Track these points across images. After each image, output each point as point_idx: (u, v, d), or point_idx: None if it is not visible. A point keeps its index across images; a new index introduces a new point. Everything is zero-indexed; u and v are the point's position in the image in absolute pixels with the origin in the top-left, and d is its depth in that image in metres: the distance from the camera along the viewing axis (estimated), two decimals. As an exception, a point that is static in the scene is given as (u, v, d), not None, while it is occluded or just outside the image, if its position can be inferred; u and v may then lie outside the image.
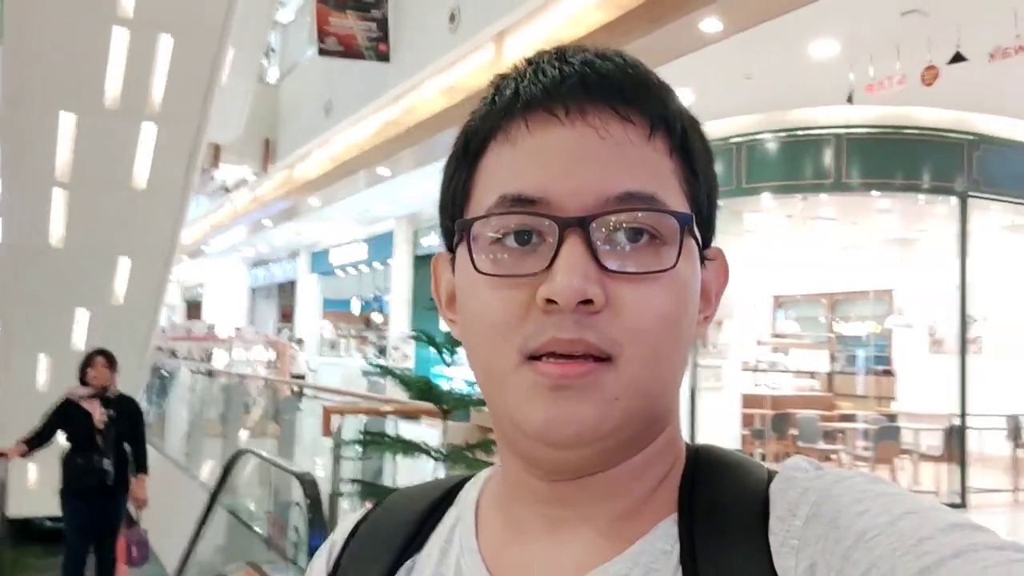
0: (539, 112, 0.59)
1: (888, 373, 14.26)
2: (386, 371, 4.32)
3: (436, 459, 4.02)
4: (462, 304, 0.63)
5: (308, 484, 4.25)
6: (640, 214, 0.58)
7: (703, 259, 0.63)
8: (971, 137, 9.66)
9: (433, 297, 0.70)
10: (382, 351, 20.51)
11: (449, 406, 4.11)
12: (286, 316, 28.25)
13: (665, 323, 0.58)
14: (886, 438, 10.11)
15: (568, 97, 0.59)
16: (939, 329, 13.66)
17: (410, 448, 4.05)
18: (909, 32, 7.20)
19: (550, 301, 0.56)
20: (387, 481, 4.86)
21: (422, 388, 4.12)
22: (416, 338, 4.46)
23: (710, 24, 7.23)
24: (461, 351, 4.19)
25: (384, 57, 11.92)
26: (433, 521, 0.71)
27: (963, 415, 9.79)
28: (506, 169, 0.60)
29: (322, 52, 12.03)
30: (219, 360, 17.09)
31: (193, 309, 32.49)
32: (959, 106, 9.29)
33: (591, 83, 0.59)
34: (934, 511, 0.52)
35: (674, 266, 0.58)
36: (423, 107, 11.35)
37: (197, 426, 11.74)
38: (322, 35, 11.80)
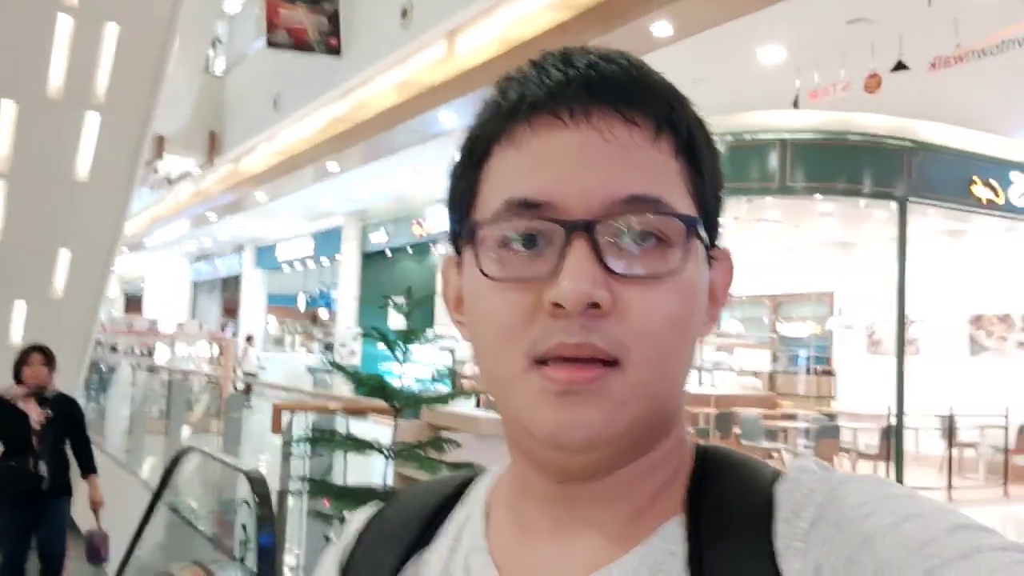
0: (543, 115, 0.59)
1: (828, 373, 14.57)
2: (338, 368, 4.28)
3: (388, 457, 4.01)
4: (469, 307, 0.63)
5: (257, 482, 4.20)
6: (646, 217, 0.58)
7: (710, 259, 0.63)
8: (911, 144, 9.91)
9: (443, 299, 0.71)
10: (328, 347, 20.35)
11: (401, 404, 4.09)
12: (229, 311, 27.83)
13: (672, 326, 0.58)
14: (826, 437, 10.33)
15: (573, 100, 0.59)
16: (877, 330, 14.01)
17: (361, 446, 4.03)
18: (854, 40, 7.37)
19: (557, 305, 0.56)
20: (337, 479, 4.83)
21: (374, 385, 4.10)
22: (368, 335, 4.43)
23: (661, 28, 7.32)
24: (413, 348, 4.18)
25: (334, 51, 11.82)
26: (443, 518, 0.71)
27: (900, 415, 10.04)
28: (511, 172, 0.60)
29: (271, 44, 11.90)
30: (161, 355, 16.78)
31: (133, 303, 31.87)
32: (900, 113, 9.53)
33: (595, 85, 0.59)
34: (939, 513, 0.53)
35: (681, 269, 0.58)
36: (374, 103, 11.28)
37: (138, 423, 11.52)
38: (272, 27, 11.67)
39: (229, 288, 28.33)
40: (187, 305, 29.10)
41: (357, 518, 0.76)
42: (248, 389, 6.66)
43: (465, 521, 0.70)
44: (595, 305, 0.56)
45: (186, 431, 10.87)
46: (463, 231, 0.63)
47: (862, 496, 0.55)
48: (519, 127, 0.60)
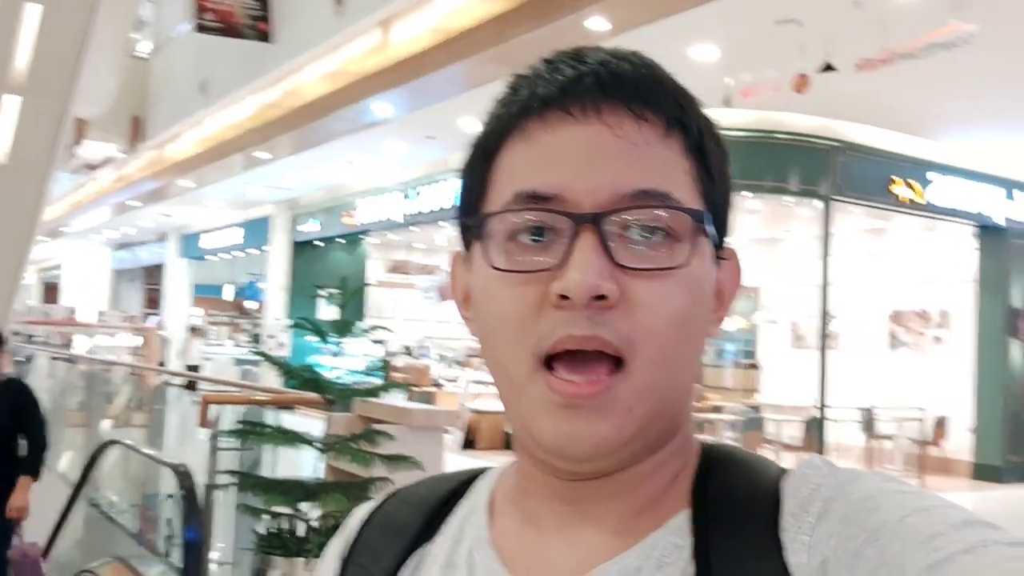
0: (555, 110, 0.60)
1: (753, 367, 14.87)
2: (270, 360, 4.20)
3: (321, 450, 3.95)
4: (477, 302, 0.63)
5: (183, 476, 4.11)
6: (654, 211, 0.58)
7: (718, 259, 0.64)
8: (836, 143, 10.18)
9: (452, 295, 0.70)
10: (256, 339, 20.00)
11: (335, 396, 4.03)
12: (152, 301, 27.22)
13: (678, 321, 0.58)
14: (751, 429, 10.57)
15: (584, 96, 0.59)
16: (801, 325, 14.36)
17: (292, 439, 3.96)
18: (783, 40, 7.51)
19: (563, 297, 0.56)
20: (265, 472, 4.74)
21: (307, 378, 4.04)
22: (299, 326, 4.36)
23: (597, 23, 7.35)
24: (347, 341, 4.12)
25: (264, 36, 11.61)
26: (446, 512, 0.71)
27: (822, 407, 10.32)
28: (521, 166, 0.61)
29: (199, 28, 11.62)
30: (80, 346, 16.28)
31: (50, 292, 30.86)
32: (827, 113, 9.77)
33: (606, 82, 0.60)
34: (946, 508, 0.53)
35: (688, 263, 0.59)
36: (305, 90, 11.10)
37: (57, 415, 11.15)
38: (200, 10, 11.40)
39: (152, 277, 27.68)
40: (107, 294, 28.30)
41: (359, 511, 0.76)
42: (192, 385, 6.28)
43: (469, 514, 0.70)
44: (601, 297, 0.56)
45: (106, 424, 10.57)
46: (472, 225, 0.63)
47: (868, 491, 0.56)
48: (531, 122, 0.61)
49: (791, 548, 0.56)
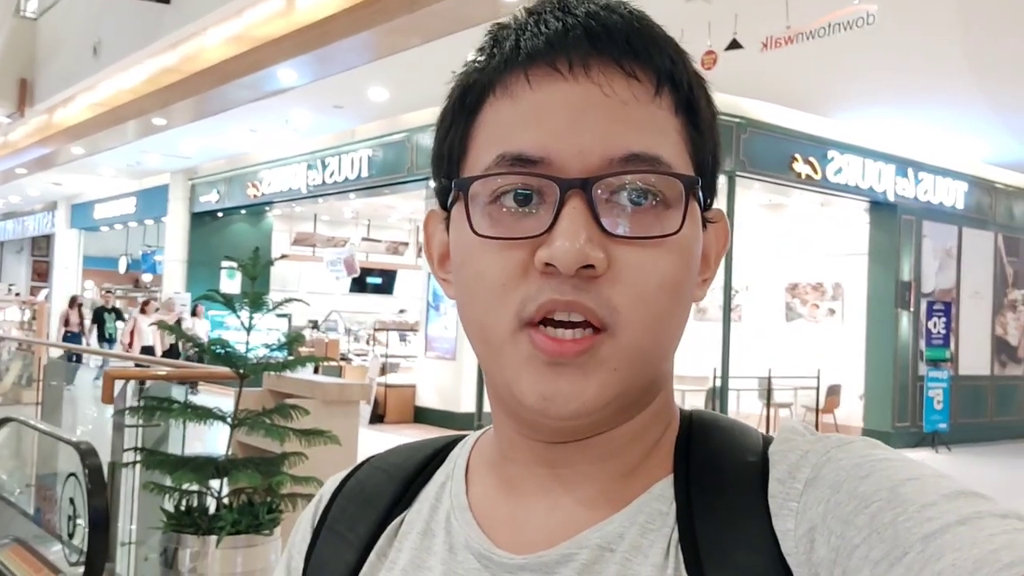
0: (541, 66, 0.57)
1: (658, 338, 15.21)
2: (180, 334, 4.06)
3: (233, 426, 3.85)
4: (457, 265, 0.61)
5: (87, 453, 3.95)
6: (645, 176, 0.56)
7: (705, 221, 0.62)
8: (739, 120, 10.41)
9: (425, 255, 0.68)
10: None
11: (247, 370, 3.94)
12: (40, 274, 26.11)
13: (667, 289, 0.57)
14: (656, 399, 10.81)
15: (572, 50, 0.57)
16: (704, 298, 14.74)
17: (203, 415, 3.86)
18: (692, 17, 7.61)
19: (549, 265, 0.54)
20: (174, 448, 4.61)
21: (217, 352, 3.93)
22: (209, 298, 4.23)
23: (510, -8, 7.30)
24: (260, 317, 4.02)
25: (163, -2, 11.14)
26: (423, 480, 0.70)
27: (725, 377, 10.62)
28: (506, 126, 0.58)
29: (91, -13, 11.06)
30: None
31: (-73, 264, 29.24)
32: (733, 91, 9.96)
33: (596, 36, 0.57)
34: (937, 478, 0.52)
35: (678, 231, 0.57)
36: (205, 55, 10.72)
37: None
38: (92, -32, 10.84)
39: (40, 248, 26.52)
40: (-9, 266, 27.01)
41: (330, 481, 0.74)
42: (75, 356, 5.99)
43: (445, 481, 0.68)
44: (589, 266, 0.54)
45: (-5, 402, 10.11)
46: (454, 187, 0.60)
47: (858, 459, 0.55)
48: (514, 77, 0.58)
49: (778, 514, 0.55)
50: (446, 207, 0.63)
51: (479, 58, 0.61)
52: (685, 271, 0.58)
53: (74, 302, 17.33)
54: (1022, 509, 0.50)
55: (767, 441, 0.62)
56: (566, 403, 0.56)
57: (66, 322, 16.70)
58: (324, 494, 0.74)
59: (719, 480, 0.59)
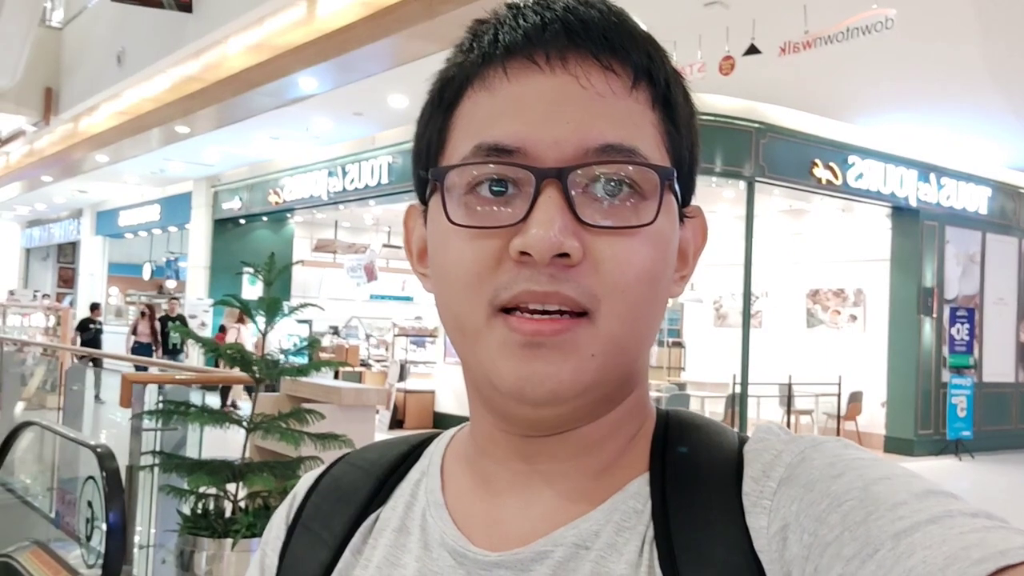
0: (519, 59, 0.58)
1: (679, 345, 15.14)
2: (197, 339, 4.11)
3: (248, 430, 3.88)
4: (434, 256, 0.61)
5: (105, 457, 3.99)
6: (621, 166, 0.56)
7: (682, 216, 0.62)
8: (758, 125, 10.36)
9: (404, 250, 0.68)
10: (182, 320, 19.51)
11: (264, 375, 3.97)
12: (65, 280, 26.37)
13: (644, 279, 0.57)
14: (676, 405, 10.74)
15: (550, 44, 0.57)
16: (724, 304, 14.65)
17: (219, 418, 3.89)
18: (710, 22, 7.60)
19: (524, 253, 0.55)
20: (191, 452, 4.65)
21: (234, 357, 3.96)
22: (225, 303, 4.27)
23: None
24: (278, 320, 4.05)
25: (186, 7, 11.25)
26: (398, 477, 0.70)
27: (744, 384, 10.56)
28: (483, 117, 0.58)
29: (116, -3, 11.21)
30: (-10, 326, 15.68)
31: (-43, 270, 29.62)
32: (749, 96, 9.92)
33: (574, 30, 0.57)
34: (908, 477, 0.53)
35: (654, 221, 0.57)
36: (228, 63, 10.82)
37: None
38: (116, -22, 10.98)
39: (66, 255, 26.79)
40: (17, 272, 27.31)
41: (305, 478, 0.74)
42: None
43: (421, 478, 0.68)
44: (564, 255, 0.54)
45: (20, 406, 10.22)
46: (430, 177, 0.61)
47: (830, 458, 0.55)
48: (493, 71, 0.58)
49: (752, 512, 0.56)
50: (425, 202, 0.63)
51: (458, 53, 0.62)
52: (662, 263, 0.59)
53: (146, 313, 15.78)
54: (992, 509, 0.51)
55: (743, 441, 0.62)
56: (541, 383, 0.56)
57: (134, 331, 15.57)
58: (299, 491, 0.73)
59: (694, 478, 0.59)
